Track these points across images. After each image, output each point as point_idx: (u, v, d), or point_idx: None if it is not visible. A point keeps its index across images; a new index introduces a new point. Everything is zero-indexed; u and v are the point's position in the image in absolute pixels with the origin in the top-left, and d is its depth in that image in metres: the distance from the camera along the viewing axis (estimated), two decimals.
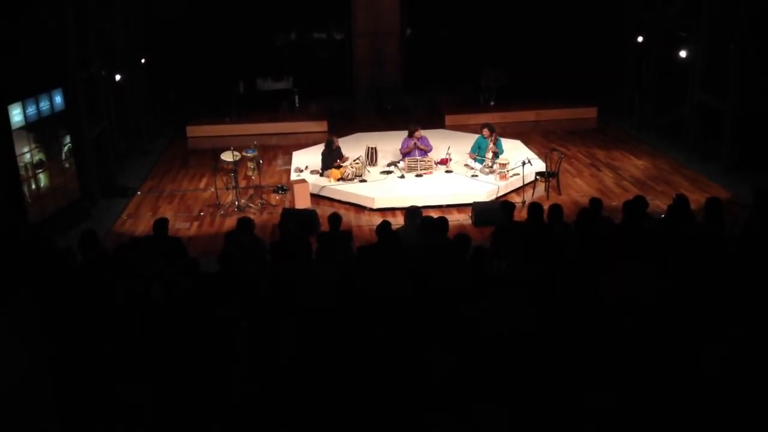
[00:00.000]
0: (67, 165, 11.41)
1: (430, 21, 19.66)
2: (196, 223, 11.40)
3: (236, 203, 11.81)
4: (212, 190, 12.35)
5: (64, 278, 6.46)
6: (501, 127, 14.70)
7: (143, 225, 11.28)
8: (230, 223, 10.99)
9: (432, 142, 13.13)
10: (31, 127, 10.33)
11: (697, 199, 10.78)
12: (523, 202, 11.44)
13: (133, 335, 5.42)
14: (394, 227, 7.62)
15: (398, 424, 4.63)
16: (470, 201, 11.39)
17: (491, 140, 12.49)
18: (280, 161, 14.67)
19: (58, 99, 10.97)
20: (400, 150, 12.93)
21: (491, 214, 10.30)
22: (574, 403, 4.66)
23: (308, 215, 10.78)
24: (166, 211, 11.83)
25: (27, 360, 4.90)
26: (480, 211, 10.90)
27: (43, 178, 10.78)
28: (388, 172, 12.59)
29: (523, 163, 11.86)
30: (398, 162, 12.78)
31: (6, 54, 9.65)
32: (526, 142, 14.69)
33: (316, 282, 6.32)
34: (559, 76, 17.90)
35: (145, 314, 5.74)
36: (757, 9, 12.16)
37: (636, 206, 7.64)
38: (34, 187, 10.54)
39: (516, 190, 12.24)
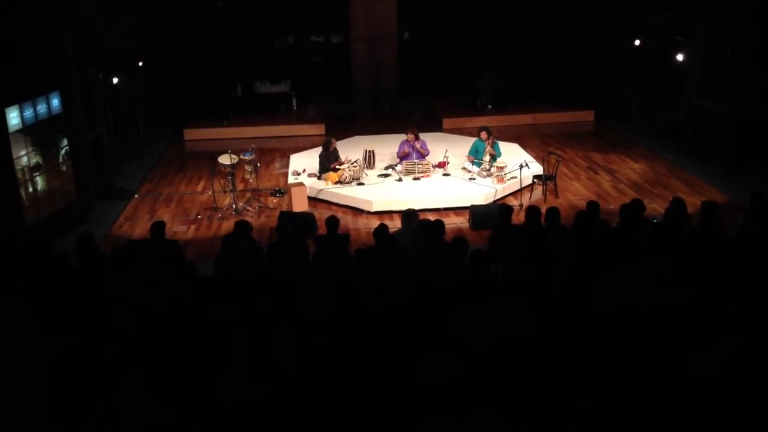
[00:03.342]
0: (64, 168, 11.40)
1: (427, 24, 19.69)
2: (193, 227, 11.39)
3: (234, 206, 11.81)
4: (210, 193, 12.34)
5: (60, 282, 6.45)
6: (498, 130, 14.74)
7: (140, 228, 11.27)
8: (228, 226, 10.99)
9: (429, 145, 13.13)
10: (28, 130, 10.32)
11: (693, 202, 10.81)
12: (521, 206, 11.45)
13: (129, 339, 5.40)
14: (391, 230, 7.62)
15: (397, 430, 4.62)
16: (468, 204, 11.40)
17: (488, 143, 12.50)
18: (277, 164, 14.68)
19: (56, 102, 10.97)
20: (397, 153, 12.94)
21: (489, 217, 10.31)
22: (571, 407, 4.66)
23: (306, 218, 10.78)
24: (164, 215, 11.82)
25: (22, 363, 4.88)
26: (477, 214, 10.90)
27: (40, 181, 10.77)
28: (386, 175, 12.60)
29: (521, 167, 11.87)
30: (396, 165, 12.79)
31: (3, 57, 9.64)
32: (524, 146, 14.70)
33: (313, 285, 6.31)
34: (557, 79, 17.94)
35: (142, 318, 5.73)
36: (753, 13, 12.20)
37: (633, 209, 7.65)
38: (31, 190, 10.52)
39: (513, 193, 12.25)
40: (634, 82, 16.70)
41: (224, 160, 11.90)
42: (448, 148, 13.04)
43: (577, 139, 16.06)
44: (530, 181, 12.36)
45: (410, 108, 18.76)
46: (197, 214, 11.87)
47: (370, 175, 12.59)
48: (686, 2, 14.42)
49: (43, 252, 7.13)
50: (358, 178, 12.32)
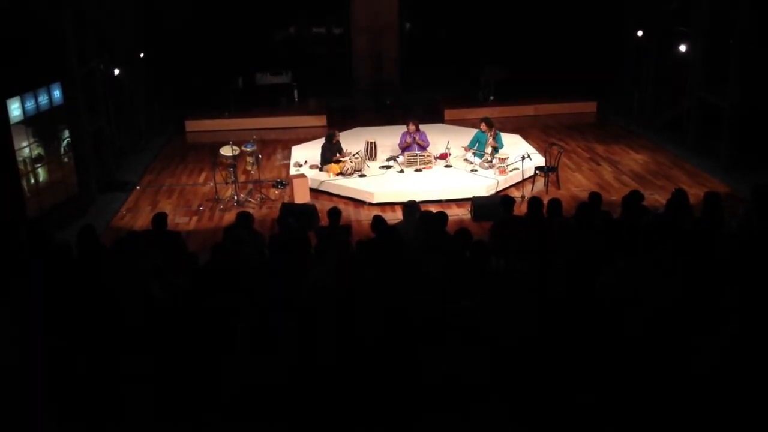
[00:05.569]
0: (65, 159, 11.40)
1: (429, 16, 19.63)
2: (195, 218, 11.40)
3: (235, 198, 11.81)
4: (211, 184, 12.34)
5: (61, 273, 6.45)
6: (500, 121, 14.72)
7: (142, 219, 11.28)
8: (229, 217, 10.99)
9: (431, 136, 13.11)
10: (29, 121, 10.31)
11: (696, 193, 10.78)
12: (523, 197, 11.44)
13: (130, 331, 5.41)
14: (392, 222, 7.61)
15: (398, 423, 4.62)
16: (469, 196, 11.39)
17: (490, 135, 12.48)
18: (279, 156, 14.67)
19: (57, 93, 10.95)
20: (399, 145, 12.92)
21: (490, 208, 10.30)
22: (572, 399, 4.66)
23: (307, 210, 10.78)
24: (165, 206, 11.83)
25: (24, 355, 4.89)
26: (479, 205, 10.89)
27: (41, 172, 10.77)
28: (388, 167, 12.58)
29: (523, 158, 11.85)
30: (397, 157, 12.77)
31: (5, 48, 9.62)
32: (526, 137, 14.68)
33: (314, 277, 6.31)
34: (559, 70, 17.89)
35: (144, 310, 5.74)
36: (757, 4, 12.14)
37: (632, 200, 7.64)
38: (32, 181, 10.52)
39: (515, 185, 12.24)
40: (637, 74, 16.65)
41: (226, 151, 11.90)
42: (450, 140, 13.02)
43: (579, 130, 16.03)
44: (532, 173, 12.34)
45: (412, 100, 18.71)
46: (199, 206, 11.87)
47: (372, 167, 12.58)
48: None
49: (44, 244, 7.14)
50: (360, 170, 12.31)
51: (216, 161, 12.10)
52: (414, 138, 12.72)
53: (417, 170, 12.34)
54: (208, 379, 4.91)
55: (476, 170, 12.27)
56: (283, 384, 4.81)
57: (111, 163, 13.38)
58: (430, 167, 12.44)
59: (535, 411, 4.61)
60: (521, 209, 9.87)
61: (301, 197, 11.68)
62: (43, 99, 10.60)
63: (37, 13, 10.62)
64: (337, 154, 12.54)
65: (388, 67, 19.46)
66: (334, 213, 7.96)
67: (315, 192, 12.10)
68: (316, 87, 18.71)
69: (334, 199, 11.90)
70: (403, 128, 13.15)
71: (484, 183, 11.77)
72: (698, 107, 14.07)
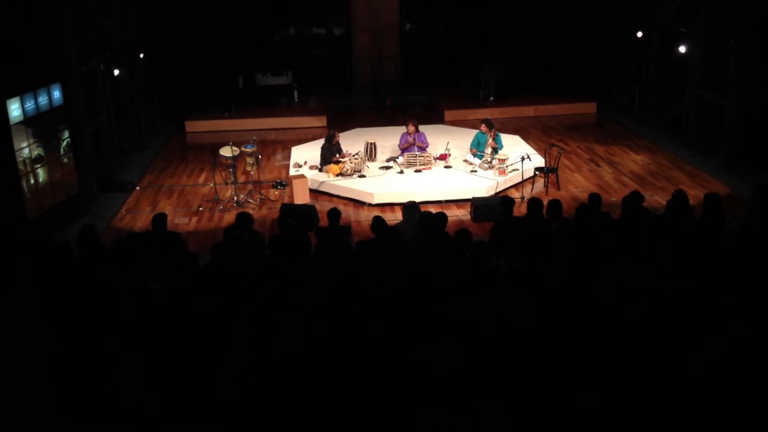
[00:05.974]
0: (65, 160, 11.40)
1: (429, 16, 19.66)
2: (195, 218, 11.40)
3: (235, 198, 11.81)
4: (211, 185, 12.34)
5: (62, 273, 6.45)
6: (500, 122, 14.73)
7: (142, 220, 11.28)
8: (229, 218, 10.99)
9: (431, 137, 13.11)
10: (29, 122, 10.31)
11: (696, 194, 10.80)
12: (522, 198, 11.44)
13: (130, 331, 5.41)
14: (392, 222, 7.61)
15: (397, 421, 4.62)
16: (469, 196, 11.39)
17: (490, 135, 12.48)
18: (279, 156, 14.67)
19: (57, 94, 10.96)
20: (399, 145, 12.92)
21: (490, 209, 10.30)
22: (572, 399, 4.66)
23: (307, 210, 10.78)
24: (165, 206, 11.83)
25: (24, 355, 4.89)
26: (479, 206, 10.89)
27: (41, 173, 10.77)
28: (387, 168, 12.58)
29: (522, 159, 11.85)
30: (397, 157, 12.77)
31: (4, 49, 9.63)
32: (526, 138, 14.68)
33: (314, 277, 6.31)
34: (559, 71, 17.89)
35: (144, 309, 5.74)
36: (757, 4, 12.15)
37: (633, 201, 7.64)
38: (32, 182, 10.52)
39: (515, 186, 12.24)
40: (637, 74, 16.66)
41: (226, 152, 11.90)
42: (450, 141, 13.02)
43: (579, 131, 16.03)
44: (532, 174, 12.33)
45: (412, 100, 18.72)
46: (199, 206, 11.87)
47: (372, 168, 12.58)
48: None
49: (44, 244, 7.14)
50: (360, 171, 12.30)
51: (216, 162, 12.11)
52: (414, 139, 12.72)
53: (417, 171, 12.34)
54: (208, 379, 4.91)
55: (476, 171, 12.27)
56: (283, 384, 4.82)
57: (111, 164, 13.38)
58: (429, 168, 12.44)
59: (535, 411, 4.61)
60: (521, 210, 9.89)
61: (301, 198, 11.68)
62: (43, 99, 10.60)
63: (37, 13, 10.62)
64: (337, 155, 12.54)
65: (388, 67, 19.47)
66: (334, 214, 7.96)
67: (315, 193, 12.10)
68: (316, 87, 18.73)
69: (334, 199, 11.90)
70: (403, 128, 13.15)
71: (483, 184, 11.77)
72: (698, 107, 14.08)
